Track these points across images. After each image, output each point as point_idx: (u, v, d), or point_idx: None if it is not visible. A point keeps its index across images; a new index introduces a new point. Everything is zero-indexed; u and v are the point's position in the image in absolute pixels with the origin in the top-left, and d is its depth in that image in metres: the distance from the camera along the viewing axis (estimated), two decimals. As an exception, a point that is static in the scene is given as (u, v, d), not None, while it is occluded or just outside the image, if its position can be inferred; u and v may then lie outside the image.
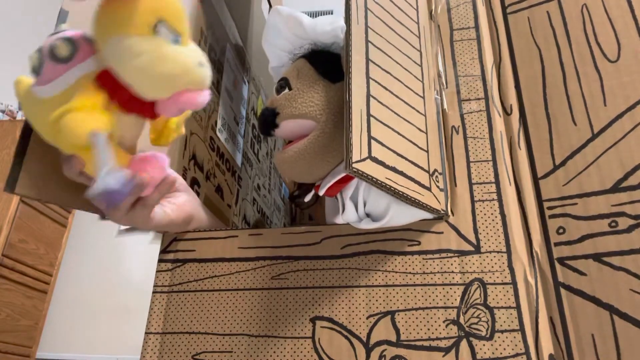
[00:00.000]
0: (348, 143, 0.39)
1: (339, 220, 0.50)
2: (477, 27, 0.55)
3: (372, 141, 0.41)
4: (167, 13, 0.37)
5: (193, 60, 0.38)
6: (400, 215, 0.46)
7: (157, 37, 0.36)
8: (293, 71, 0.57)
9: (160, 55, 0.36)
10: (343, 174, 0.50)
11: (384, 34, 0.48)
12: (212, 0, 0.69)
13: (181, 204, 0.49)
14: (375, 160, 0.40)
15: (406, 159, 0.43)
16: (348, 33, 0.44)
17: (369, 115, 0.41)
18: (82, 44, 0.39)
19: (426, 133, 0.47)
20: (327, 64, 0.56)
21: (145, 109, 0.40)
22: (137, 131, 0.43)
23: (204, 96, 0.39)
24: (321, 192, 0.52)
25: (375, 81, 0.44)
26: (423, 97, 0.49)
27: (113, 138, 0.39)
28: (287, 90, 0.56)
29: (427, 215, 0.46)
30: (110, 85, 0.38)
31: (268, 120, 0.55)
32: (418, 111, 0.47)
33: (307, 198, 0.59)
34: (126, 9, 0.36)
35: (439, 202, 0.45)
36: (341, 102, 0.52)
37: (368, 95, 0.42)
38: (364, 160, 0.39)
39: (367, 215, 0.49)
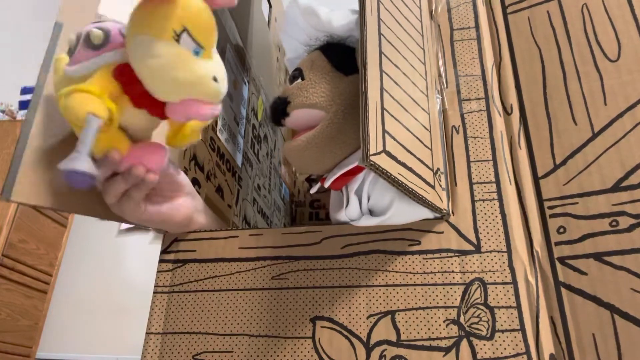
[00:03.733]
0: (365, 135, 0.38)
1: (342, 214, 0.50)
2: (477, 27, 0.55)
3: (386, 135, 0.40)
4: (193, 24, 0.38)
5: (208, 73, 0.39)
6: (402, 212, 0.46)
7: (177, 45, 0.38)
8: (307, 62, 0.57)
9: (175, 61, 0.38)
10: (350, 167, 0.50)
11: (394, 29, 0.48)
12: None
13: (178, 205, 0.49)
14: (389, 154, 0.40)
15: (414, 155, 0.43)
16: (363, 23, 0.43)
17: (382, 108, 0.41)
18: (115, 37, 0.41)
19: (430, 131, 0.47)
20: (341, 56, 0.56)
21: (155, 107, 0.41)
22: (147, 125, 0.44)
23: (213, 110, 0.40)
24: (327, 184, 0.52)
25: (388, 75, 0.44)
26: (427, 95, 0.49)
27: (112, 124, 0.40)
28: (299, 80, 0.56)
29: (428, 215, 0.46)
30: (126, 78, 0.40)
31: (279, 109, 0.55)
32: (423, 109, 0.47)
33: (313, 190, 0.60)
34: (155, 12, 0.38)
35: (441, 200, 0.45)
36: (352, 95, 0.53)
37: (382, 89, 0.42)
38: (379, 153, 0.39)
39: (370, 211, 0.49)
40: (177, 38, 0.38)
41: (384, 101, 0.42)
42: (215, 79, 0.39)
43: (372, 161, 0.37)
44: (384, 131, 0.40)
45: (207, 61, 0.39)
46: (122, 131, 0.43)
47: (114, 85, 0.40)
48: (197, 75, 0.38)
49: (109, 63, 0.40)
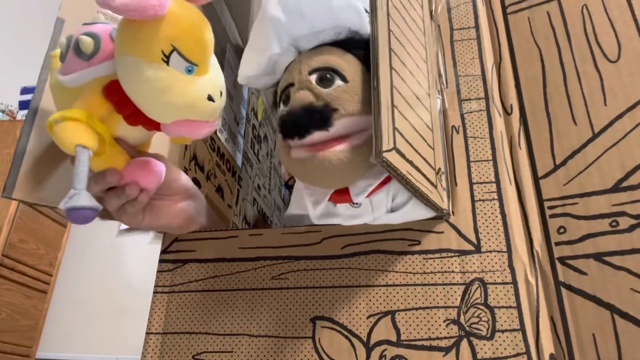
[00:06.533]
0: (378, 131, 0.37)
1: (367, 219, 0.49)
2: (477, 27, 0.55)
3: (396, 132, 0.39)
4: (183, 42, 0.36)
5: (202, 93, 0.37)
6: (414, 210, 0.46)
7: (167, 67, 0.36)
8: (338, 60, 0.49)
9: (166, 86, 0.36)
10: (385, 175, 0.48)
11: (401, 25, 0.47)
12: (212, 0, 0.68)
13: (179, 210, 0.49)
14: (399, 152, 0.39)
15: (420, 154, 0.43)
16: (374, 17, 0.42)
17: (392, 105, 0.40)
18: (106, 44, 0.39)
19: (432, 130, 0.47)
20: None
21: (149, 123, 0.40)
22: (144, 135, 0.43)
23: (210, 127, 0.39)
24: (359, 199, 0.48)
25: (396, 71, 0.43)
26: (429, 94, 0.49)
27: (106, 145, 0.39)
28: (340, 82, 0.48)
29: (430, 214, 0.46)
30: (117, 98, 0.38)
31: (324, 118, 0.46)
32: (426, 107, 0.47)
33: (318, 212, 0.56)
34: (142, 32, 0.35)
35: (442, 200, 0.45)
36: None
37: (391, 86, 0.41)
38: (390, 150, 0.38)
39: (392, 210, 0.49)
40: (167, 59, 0.35)
41: (393, 98, 0.41)
42: (210, 98, 0.37)
43: (384, 158, 0.36)
44: (394, 128, 0.39)
45: (201, 78, 0.37)
46: (119, 142, 0.42)
47: (105, 106, 0.38)
48: (190, 97, 0.36)
49: (99, 77, 0.38)
